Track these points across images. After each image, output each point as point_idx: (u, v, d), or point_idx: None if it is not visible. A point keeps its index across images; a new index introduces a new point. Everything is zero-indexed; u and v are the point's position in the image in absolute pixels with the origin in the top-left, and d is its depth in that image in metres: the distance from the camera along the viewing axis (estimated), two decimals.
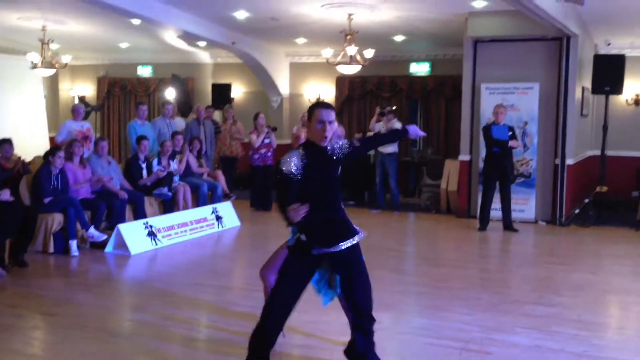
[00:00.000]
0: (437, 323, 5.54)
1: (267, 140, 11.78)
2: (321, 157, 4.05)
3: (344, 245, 4.06)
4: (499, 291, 6.65)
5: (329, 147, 4.08)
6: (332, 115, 4.01)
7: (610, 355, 4.90)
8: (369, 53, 11.57)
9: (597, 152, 11.44)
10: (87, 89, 17.48)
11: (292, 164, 3.96)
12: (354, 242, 4.10)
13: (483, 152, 10.42)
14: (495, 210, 10.28)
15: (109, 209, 8.70)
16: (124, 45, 15.39)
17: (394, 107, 12.60)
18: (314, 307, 4.93)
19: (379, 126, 12.09)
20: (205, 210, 9.85)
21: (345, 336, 4.78)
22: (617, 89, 10.65)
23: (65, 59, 13.71)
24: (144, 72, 16.99)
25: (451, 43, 13.04)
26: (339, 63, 11.61)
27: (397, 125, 11.99)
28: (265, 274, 4.82)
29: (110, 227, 8.58)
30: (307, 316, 5.22)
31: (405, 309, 6.04)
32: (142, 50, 15.94)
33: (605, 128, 10.95)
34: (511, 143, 9.96)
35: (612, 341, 5.35)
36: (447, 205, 11.87)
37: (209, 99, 15.03)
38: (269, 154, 11.83)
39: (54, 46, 13.63)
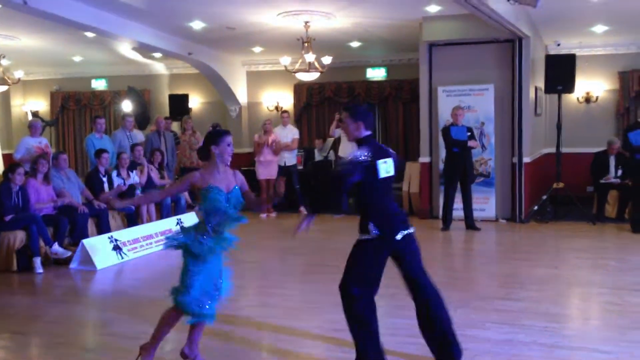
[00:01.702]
0: (409, 322, 5.56)
1: None
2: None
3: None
4: (468, 289, 6.78)
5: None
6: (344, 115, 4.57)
7: (580, 344, 5.05)
8: (327, 60, 11.67)
9: (552, 150, 11.74)
10: (40, 104, 17.17)
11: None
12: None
13: (443, 154, 10.62)
14: (457, 210, 10.46)
15: (72, 225, 8.57)
16: (77, 58, 15.17)
17: None
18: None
19: (338, 132, 12.19)
20: (169, 222, 9.77)
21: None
22: (569, 87, 10.97)
23: (18, 74, 13.46)
24: (99, 85, 16.79)
25: (406, 48, 13.24)
26: (297, 70, 11.67)
27: None
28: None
29: (73, 243, 8.46)
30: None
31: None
32: (96, 63, 15.73)
33: (559, 126, 11.25)
34: (470, 143, 10.16)
35: (580, 331, 5.51)
36: (410, 207, 12.03)
37: (166, 110, 14.94)
38: None
39: (4, 62, 13.37)
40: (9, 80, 13.22)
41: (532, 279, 7.17)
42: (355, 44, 13.19)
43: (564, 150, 11.50)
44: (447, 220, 10.30)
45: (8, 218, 7.91)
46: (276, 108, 15.13)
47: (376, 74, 14.72)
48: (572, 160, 12.36)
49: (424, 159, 11.55)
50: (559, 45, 12.87)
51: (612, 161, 11.20)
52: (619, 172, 11.09)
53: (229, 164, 4.51)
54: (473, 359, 4.72)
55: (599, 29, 11.71)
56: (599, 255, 8.49)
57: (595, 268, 7.79)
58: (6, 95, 16.55)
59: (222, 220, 4.39)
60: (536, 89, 11.71)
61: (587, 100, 13.27)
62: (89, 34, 11.59)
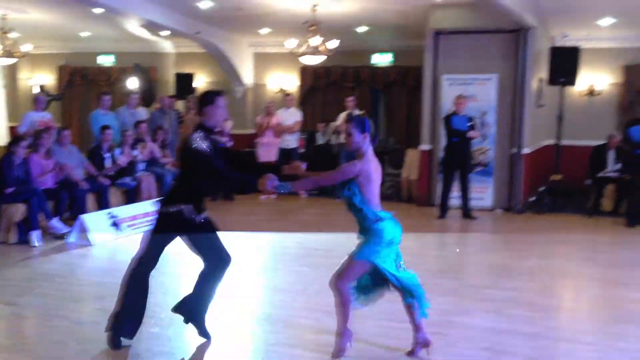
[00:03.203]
0: (396, 307, 5.65)
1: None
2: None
3: None
4: (457, 277, 6.88)
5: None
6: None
7: (562, 335, 5.15)
8: (333, 44, 11.67)
9: (553, 142, 11.75)
10: (47, 78, 17.23)
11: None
12: None
13: (444, 142, 10.66)
14: (455, 199, 10.52)
15: (72, 199, 8.68)
16: (84, 34, 15.20)
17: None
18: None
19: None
20: None
21: None
22: (572, 80, 10.98)
23: (25, 47, 13.52)
24: (106, 61, 16.81)
25: (413, 34, 13.17)
26: (303, 54, 11.69)
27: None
28: (339, 284, 4.52)
29: (72, 217, 8.57)
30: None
31: None
32: (104, 39, 15.75)
33: (560, 118, 11.25)
34: (470, 134, 10.20)
35: (564, 322, 5.61)
36: (408, 194, 12.09)
37: (172, 89, 14.98)
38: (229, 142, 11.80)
39: (13, 35, 13.43)
40: (17, 54, 13.28)
41: (522, 269, 7.25)
42: (362, 29, 13.18)
43: (564, 142, 11.51)
44: (444, 208, 10.37)
45: (9, 190, 8.02)
46: (281, 90, 15.16)
47: (382, 59, 14.68)
48: (573, 153, 12.32)
49: (425, 146, 11.59)
50: (566, 37, 12.80)
51: (610, 155, 11.20)
52: (617, 166, 11.07)
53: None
54: (454, 345, 4.81)
55: (606, 21, 11.64)
56: (591, 249, 8.55)
57: (587, 260, 7.87)
58: (13, 69, 16.58)
59: None
60: (540, 80, 11.70)
61: (590, 93, 13.23)
62: (98, 10, 11.62)
